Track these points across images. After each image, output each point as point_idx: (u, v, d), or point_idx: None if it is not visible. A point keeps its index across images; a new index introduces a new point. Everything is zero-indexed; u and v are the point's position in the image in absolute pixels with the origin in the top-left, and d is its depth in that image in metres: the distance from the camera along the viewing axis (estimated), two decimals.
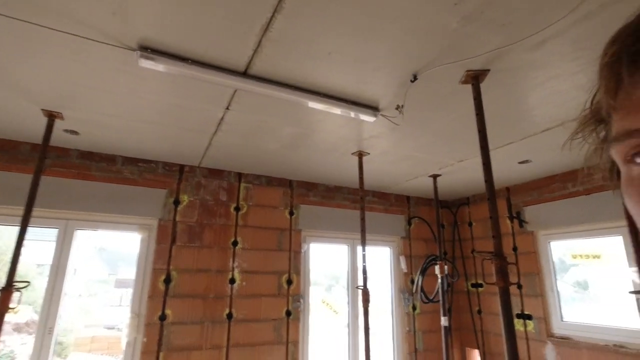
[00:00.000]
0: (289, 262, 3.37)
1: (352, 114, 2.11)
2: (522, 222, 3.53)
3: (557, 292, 3.27)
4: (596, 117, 0.43)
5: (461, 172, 3.36)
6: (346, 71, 1.78)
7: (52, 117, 2.25)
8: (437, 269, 3.40)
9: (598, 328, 2.91)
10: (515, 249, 3.58)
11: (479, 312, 3.91)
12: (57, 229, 2.74)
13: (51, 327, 2.60)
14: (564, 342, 3.07)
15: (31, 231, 2.12)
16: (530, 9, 1.38)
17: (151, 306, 2.79)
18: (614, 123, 0.41)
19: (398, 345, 3.79)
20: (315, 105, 2.02)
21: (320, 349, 3.52)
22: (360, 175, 2.93)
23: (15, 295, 1.96)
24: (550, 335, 3.20)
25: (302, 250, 3.51)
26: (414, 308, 3.90)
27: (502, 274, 1.47)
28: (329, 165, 3.20)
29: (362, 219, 2.87)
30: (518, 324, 3.36)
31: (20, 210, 2.12)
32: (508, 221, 3.66)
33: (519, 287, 3.49)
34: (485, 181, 1.65)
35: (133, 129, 2.48)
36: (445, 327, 3.28)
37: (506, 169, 3.20)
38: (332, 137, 2.60)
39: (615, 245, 2.93)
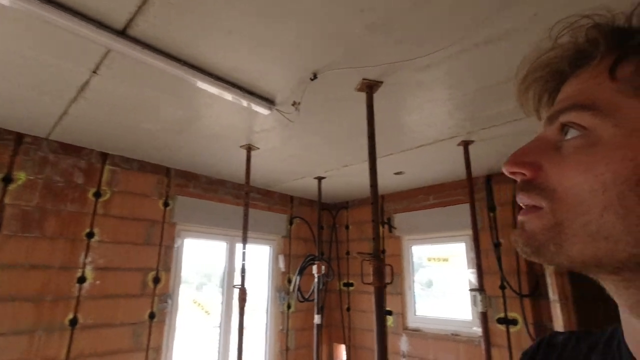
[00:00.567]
0: (158, 258, 3.01)
1: (245, 103, 1.98)
2: (391, 228, 3.91)
3: (413, 290, 3.72)
4: None
5: (344, 177, 3.53)
6: (245, 56, 1.65)
7: None
8: (314, 268, 3.49)
9: (441, 320, 3.40)
10: (383, 251, 3.93)
11: (348, 309, 4.18)
12: None
13: None
14: (415, 334, 3.50)
15: None
16: (424, 33, 1.49)
17: None
18: None
19: (270, 344, 3.76)
20: (205, 86, 1.82)
21: (187, 353, 3.23)
22: (247, 170, 2.80)
23: None
24: (405, 328, 3.60)
25: (176, 246, 3.18)
26: (289, 307, 3.94)
27: (379, 274, 1.54)
28: (214, 155, 2.98)
29: (246, 216, 2.74)
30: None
31: None
32: (380, 226, 4.00)
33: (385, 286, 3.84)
34: (371, 186, 1.73)
35: None
36: (317, 324, 3.38)
37: (382, 178, 3.49)
38: (220, 125, 2.41)
39: (460, 250, 3.47)
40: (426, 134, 2.51)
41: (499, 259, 2.98)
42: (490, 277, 2.98)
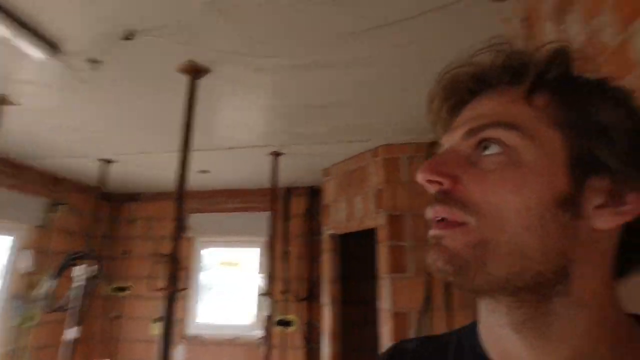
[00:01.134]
0: None
1: (9, 34, 1.40)
2: (185, 228, 3.62)
3: (198, 295, 3.53)
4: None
5: (139, 165, 3.05)
6: None
7: None
8: (77, 269, 2.81)
9: (222, 326, 3.36)
10: None
11: (117, 317, 3.56)
12: None
13: None
14: (195, 340, 3.31)
15: None
16: (271, 33, 1.44)
17: None
18: None
19: None
20: None
21: None
22: None
23: None
24: (183, 336, 3.36)
25: None
26: (30, 319, 3.00)
27: (174, 279, 1.35)
28: None
29: None
30: (155, 329, 3.31)
31: None
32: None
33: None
34: (179, 181, 1.52)
35: None
36: (74, 339, 2.70)
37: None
38: None
39: (251, 255, 3.56)
40: (241, 137, 2.46)
41: (285, 266, 3.21)
42: (276, 282, 3.17)
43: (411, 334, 2.04)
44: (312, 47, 1.53)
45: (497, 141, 0.36)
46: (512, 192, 0.34)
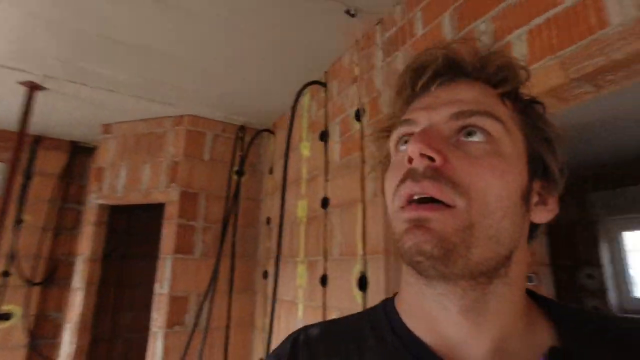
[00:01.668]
0: None
1: None
2: None
3: None
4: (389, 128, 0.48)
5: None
6: None
7: None
8: None
9: None
10: None
11: None
12: None
13: None
14: None
15: None
16: None
17: None
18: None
19: None
20: None
21: None
22: None
23: None
24: None
25: None
26: None
27: None
28: None
29: None
30: None
31: None
32: None
33: None
34: None
35: None
36: None
37: None
38: None
39: None
40: None
41: (16, 239, 2.37)
42: None
43: (188, 318, 1.92)
44: None
45: (482, 130, 0.37)
46: (498, 178, 0.36)
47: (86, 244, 2.21)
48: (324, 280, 1.47)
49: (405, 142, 0.42)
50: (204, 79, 1.87)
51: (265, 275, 2.01)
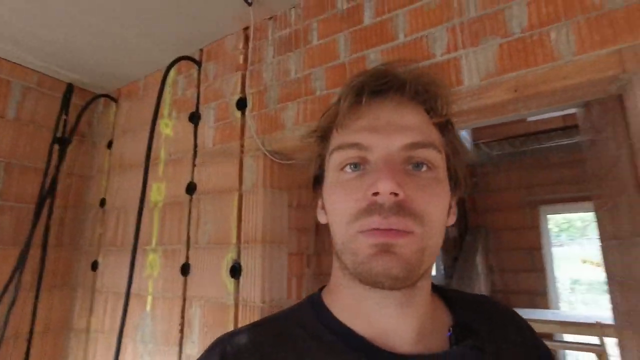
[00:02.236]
0: None
1: None
2: None
3: None
4: (321, 134, 0.50)
5: None
6: None
7: None
8: None
9: None
10: None
11: None
12: None
13: None
14: None
15: None
16: None
17: None
18: (334, 139, 0.47)
19: None
20: None
21: None
22: None
23: None
24: None
25: None
26: None
27: None
28: None
29: None
30: None
31: None
32: None
33: None
34: None
35: None
36: None
37: None
38: None
39: None
40: None
41: None
42: None
43: None
44: None
45: (428, 161, 0.43)
46: (439, 204, 0.42)
47: None
48: (184, 270, 1.40)
49: (355, 165, 0.43)
50: (24, 6, 1.40)
51: (94, 266, 1.70)
